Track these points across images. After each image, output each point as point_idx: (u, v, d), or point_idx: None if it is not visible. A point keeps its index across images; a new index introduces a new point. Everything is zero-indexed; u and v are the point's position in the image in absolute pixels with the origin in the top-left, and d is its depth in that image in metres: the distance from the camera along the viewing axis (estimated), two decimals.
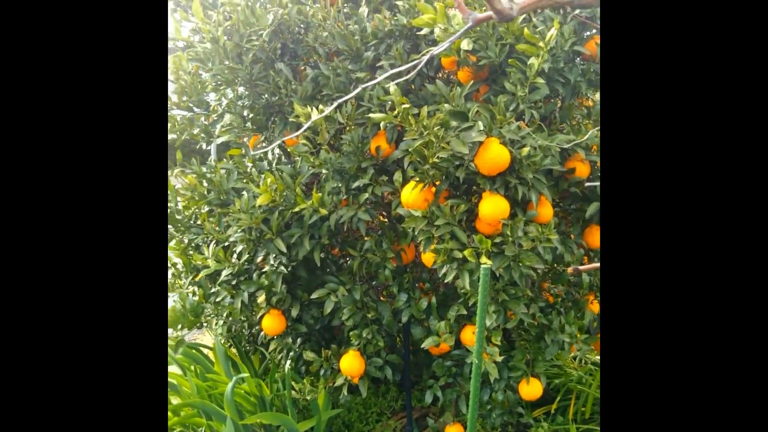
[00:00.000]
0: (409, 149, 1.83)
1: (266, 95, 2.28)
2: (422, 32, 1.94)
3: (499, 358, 1.99)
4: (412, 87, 2.17)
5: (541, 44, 1.72)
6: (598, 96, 2.13)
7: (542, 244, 1.83)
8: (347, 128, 2.17)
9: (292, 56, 2.35)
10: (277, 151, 2.48)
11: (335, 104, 1.43)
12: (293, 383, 3.03)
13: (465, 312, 2.10)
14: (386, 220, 2.40)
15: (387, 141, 2.11)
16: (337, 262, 2.50)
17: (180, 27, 2.61)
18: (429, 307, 2.23)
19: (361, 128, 2.13)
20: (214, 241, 2.34)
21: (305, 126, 1.50)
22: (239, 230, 2.15)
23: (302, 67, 2.38)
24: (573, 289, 2.31)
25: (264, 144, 2.41)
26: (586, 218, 2.09)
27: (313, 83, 2.23)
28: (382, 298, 2.47)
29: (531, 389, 2.23)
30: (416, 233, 1.92)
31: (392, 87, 1.65)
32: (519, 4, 0.83)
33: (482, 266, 1.42)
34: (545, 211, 1.93)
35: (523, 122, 1.92)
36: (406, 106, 1.71)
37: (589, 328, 3.15)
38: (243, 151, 2.43)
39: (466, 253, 1.80)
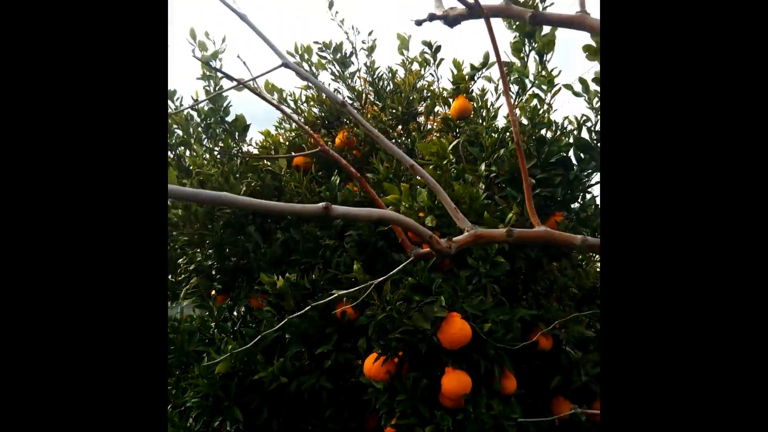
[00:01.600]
0: (371, 322, 1.84)
1: (235, 258, 2.31)
2: (389, 208, 2.02)
3: None
4: (379, 254, 2.22)
5: (500, 226, 1.80)
6: (556, 264, 2.20)
7: (506, 421, 1.79)
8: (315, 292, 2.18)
9: (264, 219, 2.42)
10: (242, 309, 2.47)
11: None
12: None
13: None
14: (350, 385, 2.35)
15: (352, 307, 2.12)
16: (298, 428, 2.41)
17: None
18: None
19: (327, 294, 2.15)
20: (170, 404, 2.26)
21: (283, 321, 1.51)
22: (196, 396, 2.08)
23: (273, 229, 2.44)
24: None
25: (230, 304, 2.41)
26: (550, 389, 2.07)
27: (283, 247, 2.28)
28: None
29: None
30: (377, 405, 1.88)
31: (356, 265, 1.68)
32: (457, 243, 0.88)
33: None
34: (509, 383, 1.92)
35: (486, 296, 1.95)
36: (369, 282, 1.73)
37: None
38: (207, 313, 2.42)
39: (427, 430, 1.75)
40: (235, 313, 2.48)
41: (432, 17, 1.19)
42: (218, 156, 2.51)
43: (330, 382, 2.04)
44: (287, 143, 2.67)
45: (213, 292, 2.52)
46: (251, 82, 1.07)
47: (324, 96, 2.63)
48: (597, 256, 2.69)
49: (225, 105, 2.53)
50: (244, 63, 1.04)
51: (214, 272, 2.43)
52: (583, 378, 2.00)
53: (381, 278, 0.92)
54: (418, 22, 1.25)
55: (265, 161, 2.34)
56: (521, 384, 2.08)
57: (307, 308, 0.96)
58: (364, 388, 2.17)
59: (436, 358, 1.93)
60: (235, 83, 0.92)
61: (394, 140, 2.75)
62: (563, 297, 2.18)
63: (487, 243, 0.92)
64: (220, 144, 2.55)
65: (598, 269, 2.75)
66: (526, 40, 2.13)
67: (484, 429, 1.78)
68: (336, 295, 0.90)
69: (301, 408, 2.31)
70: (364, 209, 0.79)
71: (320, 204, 0.75)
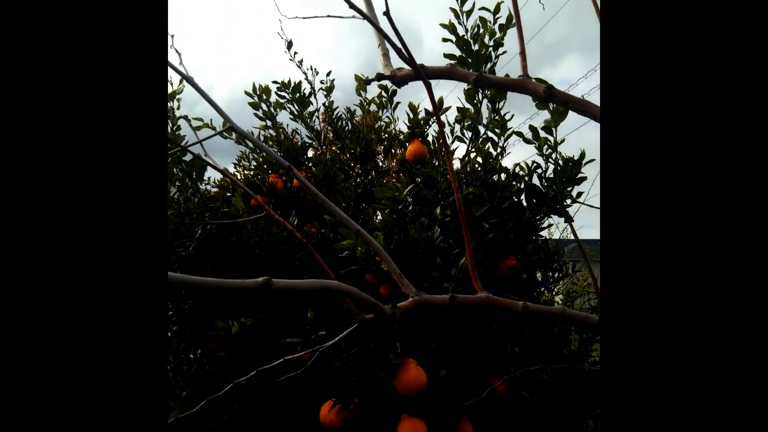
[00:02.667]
0: (327, 369, 1.83)
1: (191, 301, 2.28)
2: (344, 254, 2.02)
3: None
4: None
5: (453, 271, 1.81)
6: None
7: None
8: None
9: (221, 260, 2.39)
10: (199, 352, 2.43)
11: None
12: None
13: None
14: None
15: (309, 355, 2.10)
16: None
17: None
18: None
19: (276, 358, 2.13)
20: None
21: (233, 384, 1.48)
22: None
23: (232, 269, 2.41)
24: None
25: (186, 345, 2.37)
26: None
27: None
28: None
29: None
30: None
31: (310, 313, 1.68)
32: (401, 309, 0.89)
33: None
34: (466, 429, 1.92)
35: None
36: (322, 333, 1.73)
37: None
38: None
39: None
40: (191, 356, 2.44)
41: (380, 77, 1.21)
42: (174, 196, 2.49)
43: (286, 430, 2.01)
44: (245, 182, 2.66)
45: (168, 334, 2.48)
46: (197, 146, 1.07)
47: (282, 137, 2.64)
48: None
49: (183, 143, 2.51)
50: (189, 124, 1.05)
51: (170, 314, 2.39)
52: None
53: (326, 344, 0.92)
54: (367, 81, 1.27)
55: (222, 203, 2.33)
56: (478, 428, 2.08)
57: (252, 373, 0.95)
58: None
59: (393, 405, 1.92)
60: (177, 148, 0.92)
61: (353, 179, 2.77)
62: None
63: (431, 308, 0.93)
64: (177, 183, 2.52)
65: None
66: (479, 89, 2.17)
67: None
68: (281, 360, 0.89)
69: None
70: (306, 281, 0.79)
71: (260, 279, 0.75)
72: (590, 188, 2.18)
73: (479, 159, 2.21)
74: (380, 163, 2.86)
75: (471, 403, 1.95)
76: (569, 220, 2.08)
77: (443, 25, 2.04)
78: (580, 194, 2.06)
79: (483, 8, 2.05)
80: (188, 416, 1.98)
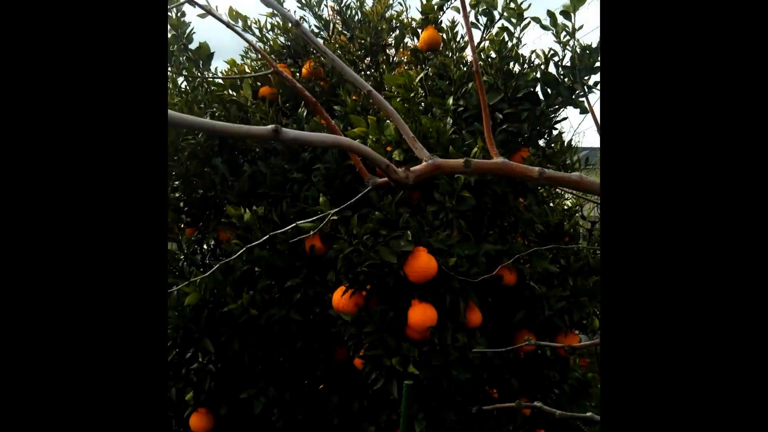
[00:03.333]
0: (339, 255, 1.85)
1: (202, 190, 2.28)
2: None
3: None
4: (348, 188, 2.21)
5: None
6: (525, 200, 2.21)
7: (471, 353, 1.84)
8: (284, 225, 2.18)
9: (231, 151, 2.38)
10: (211, 243, 2.46)
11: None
12: None
13: (395, 417, 2.07)
14: (319, 318, 2.38)
15: (321, 241, 2.12)
16: (269, 360, 2.45)
17: None
18: (361, 410, 2.20)
19: (295, 227, 2.14)
20: None
21: (242, 249, 1.49)
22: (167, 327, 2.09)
23: (241, 161, 2.41)
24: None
25: (199, 236, 2.40)
26: (514, 323, 2.13)
27: (250, 180, 2.25)
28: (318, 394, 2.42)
29: None
30: (346, 337, 1.92)
31: (321, 198, 1.68)
32: (414, 173, 0.87)
33: (405, 383, 1.42)
34: (474, 316, 1.96)
35: (452, 230, 1.97)
36: (335, 217, 1.73)
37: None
38: (176, 245, 2.41)
39: (393, 361, 1.80)
40: (204, 246, 2.47)
41: None
42: (182, 85, 2.44)
43: (300, 315, 2.06)
44: (253, 73, 2.60)
45: (182, 225, 2.50)
46: (215, 8, 1.03)
47: (289, 24, 2.55)
48: (564, 193, 2.72)
49: (188, 32, 2.44)
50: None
51: (182, 204, 2.40)
52: (546, 312, 2.05)
53: (339, 207, 0.92)
54: None
55: (230, 91, 2.28)
56: (486, 318, 2.13)
57: (265, 237, 0.96)
58: (334, 320, 2.20)
59: (403, 292, 1.96)
60: (200, 10, 0.88)
61: (362, 73, 2.70)
62: (528, 233, 2.21)
63: (445, 173, 0.91)
64: (184, 72, 2.47)
65: (565, 207, 2.78)
66: None
67: (449, 360, 1.83)
68: (294, 225, 0.89)
69: (271, 340, 2.35)
70: (318, 134, 0.78)
71: (269, 126, 0.73)
72: None
73: (492, 51, 2.13)
74: (391, 57, 2.78)
75: (480, 291, 1.99)
76: (585, 111, 2.03)
77: None
78: (596, 84, 2.00)
79: None
80: (203, 301, 2.03)
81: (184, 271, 2.29)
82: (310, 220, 1.26)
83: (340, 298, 1.93)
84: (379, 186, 0.90)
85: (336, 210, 0.91)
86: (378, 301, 2.00)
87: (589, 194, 0.88)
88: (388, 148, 1.95)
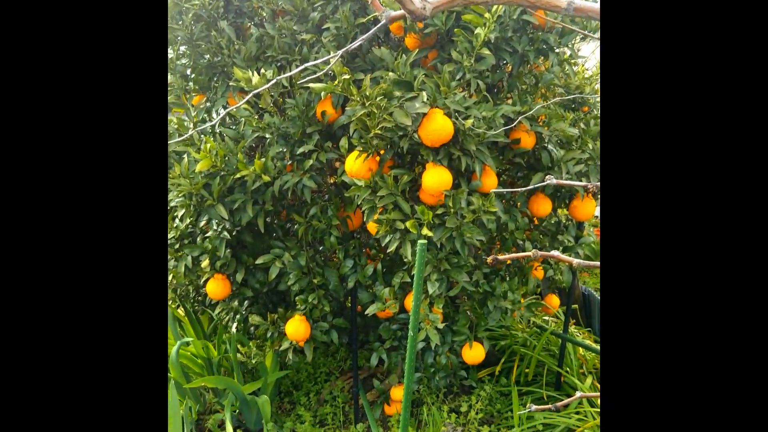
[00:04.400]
0: (352, 119, 1.80)
1: (208, 55, 2.19)
2: None
3: (441, 325, 2.02)
4: (359, 51, 2.11)
5: (487, 15, 1.68)
6: (545, 61, 2.11)
7: (484, 215, 1.83)
8: (294, 90, 2.11)
9: (237, 14, 2.26)
10: (221, 111, 2.40)
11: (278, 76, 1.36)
12: (239, 346, 3.03)
13: (409, 279, 2.11)
14: (333, 185, 2.37)
15: (333, 106, 2.06)
16: (284, 226, 2.47)
17: None
18: (375, 274, 2.24)
19: (306, 92, 2.07)
20: None
21: (249, 95, 1.44)
22: (179, 195, 2.09)
23: (247, 25, 2.30)
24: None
25: (208, 104, 2.33)
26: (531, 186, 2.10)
27: (258, 43, 2.16)
28: (332, 260, 2.46)
29: (474, 353, 2.28)
30: (360, 202, 1.91)
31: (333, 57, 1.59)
32: (432, 4, 0.80)
33: (419, 242, 1.42)
34: (489, 181, 1.93)
35: (470, 92, 1.89)
36: (347, 76, 1.66)
37: (542, 290, 3.23)
38: (185, 113, 2.35)
39: (408, 224, 1.79)
40: (214, 114, 2.42)
41: None
42: None
43: (313, 182, 2.04)
44: None
45: (192, 93, 2.44)
46: None
47: None
48: (584, 56, 2.60)
49: None
50: None
51: (188, 71, 2.33)
52: (564, 176, 2.01)
53: (349, 45, 0.85)
54: None
55: None
56: (502, 183, 2.09)
57: (272, 82, 0.90)
58: (347, 187, 2.19)
59: (418, 155, 1.92)
60: None
61: None
62: (548, 95, 2.13)
63: (465, 4, 0.84)
64: None
65: (587, 70, 2.66)
66: None
67: (463, 223, 1.82)
68: (303, 67, 0.83)
69: (285, 206, 2.36)
70: None
71: None
72: None
73: None
74: None
75: (496, 155, 1.94)
76: None
77: None
78: None
79: None
80: (215, 168, 2.00)
81: (194, 139, 2.26)
82: (319, 74, 1.19)
83: (353, 162, 1.89)
84: (393, 19, 0.82)
85: (344, 50, 0.84)
86: (392, 165, 1.97)
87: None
88: None
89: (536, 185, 1.15)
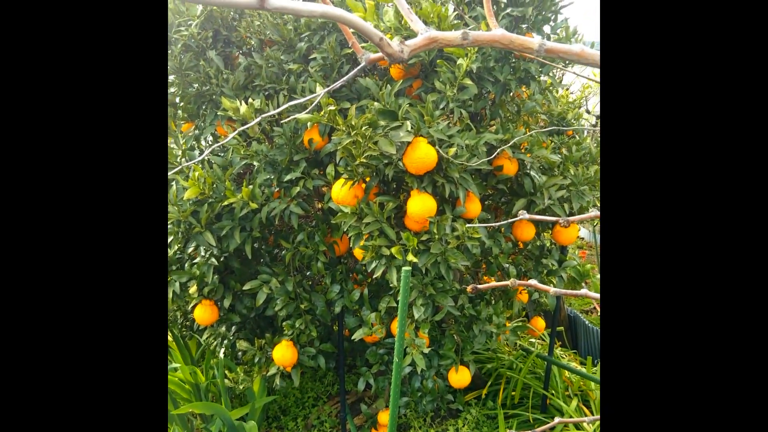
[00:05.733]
0: (338, 147, 1.83)
1: (197, 84, 2.23)
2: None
3: (427, 350, 2.04)
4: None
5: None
6: (527, 89, 2.16)
7: (469, 241, 1.86)
8: (282, 118, 2.15)
9: (225, 43, 2.30)
10: (209, 138, 2.43)
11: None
12: (227, 371, 3.03)
13: (395, 304, 2.13)
14: (320, 211, 2.40)
15: (320, 134, 2.10)
16: (271, 252, 2.49)
17: None
18: (361, 298, 2.26)
19: (293, 121, 2.11)
20: None
21: (238, 129, 1.47)
22: (168, 222, 2.11)
23: (235, 54, 2.34)
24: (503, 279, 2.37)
25: (196, 132, 2.37)
26: (513, 212, 2.14)
27: (246, 72, 2.20)
28: (319, 285, 2.48)
29: (460, 377, 2.30)
30: (346, 229, 1.94)
31: (319, 88, 1.64)
32: (409, 47, 0.84)
33: (403, 269, 1.45)
34: (473, 207, 1.97)
35: (453, 120, 1.94)
36: (333, 108, 1.70)
37: (528, 312, 3.24)
38: (173, 141, 2.38)
39: (393, 250, 1.82)
40: (202, 142, 2.45)
41: None
42: None
43: (300, 208, 2.07)
44: None
45: (180, 121, 2.47)
46: None
47: None
48: (566, 82, 2.66)
49: None
50: None
51: (177, 99, 2.36)
52: (546, 201, 2.06)
53: (332, 86, 0.89)
54: None
55: None
56: (485, 209, 2.13)
57: (258, 119, 0.94)
58: (334, 213, 2.21)
59: (402, 183, 1.96)
60: None
61: None
62: (530, 122, 2.18)
63: (441, 47, 0.88)
64: None
65: (570, 99, 2.72)
66: None
67: (447, 249, 1.85)
68: (287, 105, 0.87)
69: (273, 232, 2.38)
70: (307, 4, 0.74)
71: None
72: None
73: None
74: None
75: (479, 182, 1.98)
76: None
77: None
78: None
79: None
80: (203, 195, 2.02)
81: (182, 167, 2.28)
82: (306, 112, 1.23)
83: (339, 189, 1.93)
84: (372, 61, 0.86)
85: (328, 89, 0.88)
86: (377, 192, 2.00)
87: (591, 66, 0.85)
88: (388, 36, 1.88)
89: (509, 220, 1.18)
